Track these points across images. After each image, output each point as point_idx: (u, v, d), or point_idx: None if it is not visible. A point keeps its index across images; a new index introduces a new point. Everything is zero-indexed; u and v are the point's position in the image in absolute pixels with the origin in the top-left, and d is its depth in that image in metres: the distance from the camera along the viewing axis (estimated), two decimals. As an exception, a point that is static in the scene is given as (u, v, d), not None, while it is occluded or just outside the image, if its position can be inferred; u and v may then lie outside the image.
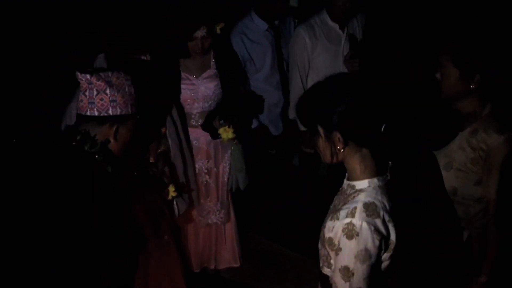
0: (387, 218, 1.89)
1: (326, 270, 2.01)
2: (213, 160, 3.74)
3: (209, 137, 3.63)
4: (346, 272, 1.85)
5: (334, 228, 1.88)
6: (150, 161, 3.24)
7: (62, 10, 3.46)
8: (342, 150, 1.92)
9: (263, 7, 3.99)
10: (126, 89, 2.30)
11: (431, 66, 2.53)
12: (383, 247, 1.88)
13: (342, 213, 1.87)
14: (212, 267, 4.00)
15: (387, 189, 1.96)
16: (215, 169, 3.77)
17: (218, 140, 3.64)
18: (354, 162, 1.95)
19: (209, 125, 3.58)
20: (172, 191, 3.22)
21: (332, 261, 1.95)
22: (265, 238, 4.43)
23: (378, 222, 1.86)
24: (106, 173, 2.28)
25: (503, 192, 2.42)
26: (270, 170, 4.40)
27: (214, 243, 3.94)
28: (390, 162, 2.06)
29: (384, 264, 1.95)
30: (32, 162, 2.26)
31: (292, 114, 4.12)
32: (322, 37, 3.90)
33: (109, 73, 2.27)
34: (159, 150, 3.30)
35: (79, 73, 2.24)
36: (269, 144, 4.34)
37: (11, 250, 2.15)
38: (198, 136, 3.65)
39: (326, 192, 2.25)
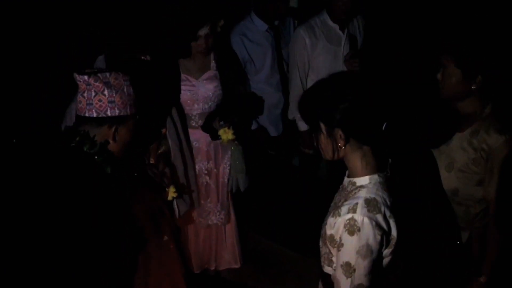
0: (388, 213, 1.90)
1: (327, 269, 2.02)
2: (213, 161, 3.74)
3: (209, 138, 3.63)
4: (348, 268, 1.86)
5: (335, 225, 1.89)
6: (151, 162, 3.23)
7: (62, 10, 3.46)
8: (343, 147, 1.93)
9: (263, 7, 3.99)
10: (125, 90, 2.30)
11: (432, 66, 2.53)
12: (384, 243, 1.90)
13: (344, 209, 1.89)
14: (213, 268, 3.99)
15: (388, 185, 1.98)
16: (215, 170, 3.77)
17: (218, 141, 3.63)
18: (355, 159, 1.97)
19: (209, 126, 3.58)
20: (172, 192, 3.22)
21: (333, 259, 1.96)
22: (265, 239, 4.42)
23: (379, 218, 1.87)
24: (105, 173, 2.29)
25: (504, 192, 2.42)
26: (270, 170, 4.40)
27: (214, 244, 3.94)
28: (390, 160, 2.08)
29: (385, 261, 1.96)
30: (32, 162, 2.26)
31: (291, 114, 4.12)
32: (322, 37, 3.90)
33: (107, 74, 2.27)
34: (159, 151, 3.30)
35: (77, 74, 2.24)
36: (269, 145, 4.33)
37: (11, 250, 2.15)
38: (198, 137, 3.65)
39: (326, 192, 2.26)
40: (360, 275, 1.86)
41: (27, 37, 3.41)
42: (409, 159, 2.55)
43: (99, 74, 2.25)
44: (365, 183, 1.95)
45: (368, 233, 1.84)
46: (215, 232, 3.91)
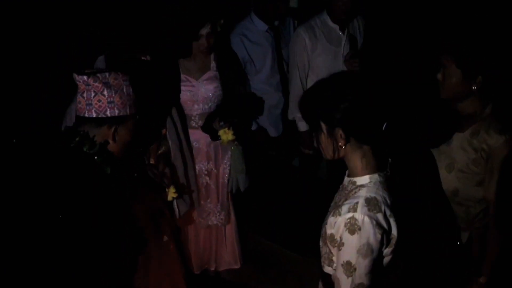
0: (388, 212, 1.91)
1: (327, 269, 2.02)
2: (213, 162, 3.74)
3: (209, 139, 3.63)
4: (349, 267, 1.86)
5: (336, 224, 1.90)
6: (151, 162, 3.24)
7: (62, 10, 3.46)
8: (343, 147, 1.94)
9: (263, 7, 3.99)
10: (124, 90, 2.30)
11: (432, 66, 2.53)
12: (384, 242, 1.90)
13: (344, 208, 1.89)
14: (213, 268, 4.00)
15: (388, 185, 1.98)
16: (215, 170, 3.77)
17: (218, 141, 3.63)
18: (355, 158, 1.98)
19: (209, 127, 3.58)
20: (172, 192, 3.22)
21: (333, 258, 1.97)
22: (265, 239, 4.43)
23: (380, 217, 1.87)
24: (105, 173, 2.29)
25: (504, 193, 2.42)
26: (270, 171, 4.39)
27: (214, 244, 3.94)
28: (389, 159, 2.08)
29: (386, 260, 1.96)
30: (32, 162, 2.26)
31: (291, 114, 4.12)
32: (322, 38, 3.90)
33: (107, 74, 2.27)
34: (160, 152, 3.30)
35: (76, 75, 2.24)
36: (269, 145, 4.33)
37: (12, 251, 2.15)
38: (198, 138, 3.65)
39: (326, 193, 2.26)
40: (361, 274, 1.86)
41: (27, 37, 3.41)
42: (409, 159, 2.55)
43: (98, 75, 2.25)
44: (365, 182, 1.96)
45: (369, 232, 1.85)
46: (215, 233, 3.91)
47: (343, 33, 3.94)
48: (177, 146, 3.42)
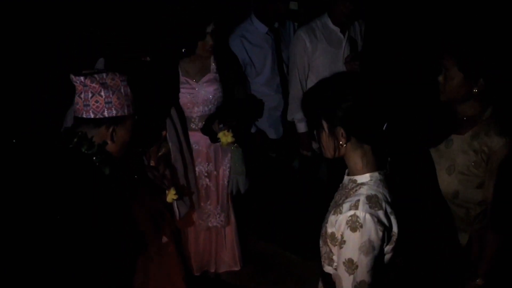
0: (389, 210, 1.92)
1: (327, 268, 2.03)
2: (213, 164, 3.74)
3: (209, 141, 3.62)
4: (350, 265, 1.87)
5: (337, 222, 1.91)
6: (151, 164, 3.23)
7: (62, 10, 3.46)
8: (344, 145, 1.96)
9: (264, 7, 3.98)
10: (122, 90, 2.29)
11: (433, 68, 2.53)
12: (385, 239, 1.91)
13: (345, 206, 1.90)
14: (213, 270, 3.99)
15: (388, 183, 1.99)
16: (215, 172, 3.76)
17: (218, 143, 3.63)
18: (356, 157, 1.99)
19: (209, 129, 3.58)
20: (172, 194, 3.22)
21: (333, 258, 1.98)
22: (265, 241, 4.42)
23: (381, 214, 1.88)
24: (105, 174, 2.28)
25: (504, 195, 2.41)
26: (270, 173, 4.39)
27: (214, 246, 3.93)
28: (389, 158, 2.09)
29: (387, 257, 1.97)
30: (32, 162, 2.26)
31: (290, 115, 4.12)
32: (322, 40, 3.90)
33: (104, 75, 2.27)
34: (160, 153, 3.30)
35: (73, 76, 2.24)
36: (269, 147, 4.33)
37: (11, 251, 2.14)
38: (198, 140, 3.64)
39: (326, 195, 2.26)
40: (363, 271, 1.87)
41: (27, 37, 3.41)
42: (409, 159, 2.55)
43: (95, 75, 2.25)
44: (366, 181, 1.97)
45: (370, 229, 1.86)
46: (215, 234, 3.91)
47: (344, 35, 3.94)
48: (177, 148, 3.42)
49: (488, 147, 2.41)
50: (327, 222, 1.98)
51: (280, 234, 4.40)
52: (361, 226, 1.85)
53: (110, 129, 2.28)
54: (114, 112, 2.27)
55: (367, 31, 4.09)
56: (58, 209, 2.13)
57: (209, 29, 3.36)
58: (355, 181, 2.00)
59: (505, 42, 2.57)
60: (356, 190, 1.96)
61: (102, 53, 3.04)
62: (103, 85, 2.24)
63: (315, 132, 2.04)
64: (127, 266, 2.44)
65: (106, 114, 2.26)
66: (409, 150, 2.58)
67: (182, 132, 3.46)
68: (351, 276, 1.88)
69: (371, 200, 1.89)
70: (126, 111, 2.31)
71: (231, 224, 3.93)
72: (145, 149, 3.17)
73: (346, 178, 2.08)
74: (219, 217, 3.81)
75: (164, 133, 3.29)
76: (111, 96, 2.25)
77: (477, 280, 2.51)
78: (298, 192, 4.45)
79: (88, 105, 2.24)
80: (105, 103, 2.25)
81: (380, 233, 1.87)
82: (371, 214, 1.86)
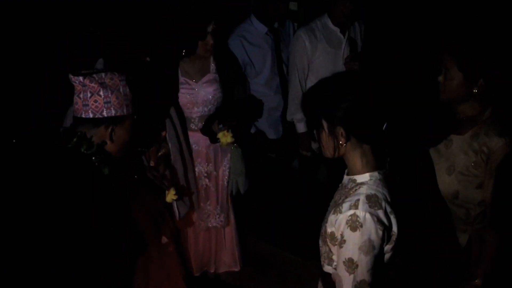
0: (388, 209, 1.93)
1: (327, 268, 2.04)
2: (212, 164, 3.73)
3: (208, 141, 3.62)
4: (351, 264, 1.88)
5: (337, 222, 1.92)
6: (151, 164, 3.23)
7: (62, 10, 3.46)
8: (344, 145, 1.96)
9: (263, 7, 3.98)
10: (121, 90, 2.30)
11: (433, 68, 2.53)
12: (385, 238, 1.91)
13: (345, 205, 1.91)
14: (212, 270, 3.99)
15: (387, 182, 2.00)
16: (214, 172, 3.76)
17: (217, 144, 3.63)
18: (355, 157, 2.00)
19: (209, 129, 3.57)
20: (172, 194, 3.22)
21: (333, 257, 1.98)
22: (265, 241, 4.42)
23: (381, 213, 1.89)
24: (105, 174, 2.29)
25: (503, 195, 2.41)
26: (270, 173, 4.39)
27: (214, 246, 3.93)
28: (388, 158, 2.10)
29: (387, 256, 1.97)
30: (32, 162, 2.26)
31: (290, 115, 4.12)
32: (322, 40, 3.90)
33: (103, 75, 2.27)
34: (160, 154, 3.30)
35: (72, 76, 2.25)
36: (269, 147, 4.33)
37: (12, 251, 2.14)
38: (198, 140, 3.64)
39: (326, 195, 2.26)
40: (363, 271, 1.87)
41: (27, 37, 3.40)
42: (408, 159, 2.56)
43: (94, 75, 2.26)
44: (365, 180, 1.98)
45: (370, 229, 1.86)
46: (214, 235, 3.91)
47: (344, 36, 3.94)
48: (177, 148, 3.42)
49: (488, 147, 2.41)
50: (326, 222, 1.98)
51: (279, 234, 4.40)
52: (361, 226, 1.86)
53: (109, 129, 2.29)
54: (113, 111, 2.27)
55: (367, 31, 4.09)
56: (58, 209, 2.13)
57: (209, 28, 3.36)
58: (354, 180, 2.01)
59: (505, 42, 2.56)
60: (355, 189, 1.96)
61: (102, 53, 3.04)
62: (102, 84, 2.25)
63: (315, 132, 2.04)
64: (127, 266, 2.44)
65: (105, 114, 2.26)
66: (409, 150, 2.58)
67: (181, 133, 3.46)
68: (352, 276, 1.88)
69: (371, 200, 1.90)
70: (125, 110, 2.31)
71: (231, 224, 3.93)
72: (145, 149, 3.17)
73: (345, 177, 2.09)
74: (218, 218, 3.81)
75: (164, 133, 3.29)
76: (110, 96, 2.26)
77: (476, 281, 2.51)
78: (297, 193, 4.45)
79: (87, 105, 2.24)
80: (104, 103, 2.25)
81: (380, 233, 1.87)
82: (371, 214, 1.87)
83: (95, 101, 2.24)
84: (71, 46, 3.42)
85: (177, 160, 3.42)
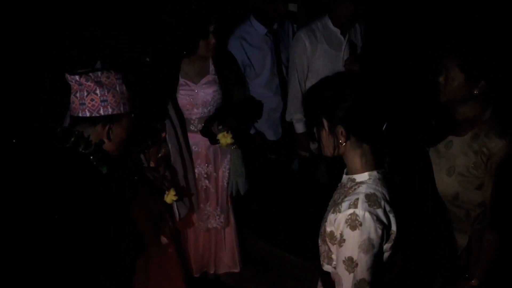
0: (388, 208, 1.94)
1: (326, 267, 2.04)
2: (212, 165, 3.74)
3: (208, 142, 3.62)
4: (350, 263, 1.88)
5: (336, 221, 1.92)
6: (151, 165, 3.24)
7: (62, 10, 3.46)
8: (344, 144, 1.97)
9: (263, 7, 3.98)
10: (117, 88, 2.30)
11: (434, 69, 2.53)
12: (385, 237, 1.92)
13: (344, 205, 1.92)
14: (212, 271, 3.99)
15: (386, 181, 2.01)
16: (214, 174, 3.76)
17: (217, 145, 3.63)
18: (355, 156, 2.01)
19: (208, 131, 3.57)
20: (172, 195, 3.22)
21: (332, 256, 1.98)
22: (265, 242, 4.42)
23: (380, 212, 1.90)
24: (104, 173, 2.29)
25: (503, 196, 2.41)
26: (270, 174, 4.39)
27: (213, 247, 3.93)
28: (387, 158, 2.10)
29: (386, 255, 1.98)
30: (32, 163, 2.26)
31: (288, 116, 4.12)
32: (322, 41, 3.90)
33: (99, 73, 2.27)
34: (159, 155, 3.30)
35: (68, 75, 2.25)
36: (268, 149, 4.33)
37: (11, 251, 2.14)
38: (198, 141, 3.64)
39: (326, 196, 2.26)
40: (363, 269, 1.88)
41: (27, 37, 3.40)
42: (408, 159, 2.56)
43: (90, 74, 2.26)
44: (364, 179, 1.99)
45: (370, 227, 1.87)
46: (214, 236, 3.91)
47: (344, 37, 3.94)
48: (177, 149, 3.42)
49: (488, 149, 2.41)
50: (326, 221, 1.99)
51: (279, 235, 4.41)
52: (361, 225, 1.86)
53: (106, 128, 2.29)
54: (110, 110, 2.27)
55: (367, 32, 4.08)
56: (57, 209, 2.13)
57: (211, 28, 3.37)
58: (354, 180, 2.02)
59: (506, 43, 2.56)
60: (355, 189, 1.97)
61: (102, 53, 3.04)
62: (98, 83, 2.25)
63: (315, 130, 2.05)
64: (127, 266, 2.44)
65: (102, 112, 2.26)
66: (409, 150, 2.58)
67: (181, 134, 3.46)
68: (351, 275, 1.89)
69: (370, 199, 1.91)
70: (122, 109, 2.31)
71: (231, 225, 3.93)
72: (144, 150, 3.17)
73: (345, 177, 2.09)
74: (218, 219, 3.81)
75: (163, 134, 3.30)
76: (106, 94, 2.26)
77: (472, 281, 2.51)
78: (297, 193, 4.45)
79: (84, 103, 2.25)
80: (101, 101, 2.25)
81: (380, 231, 1.88)
82: (370, 213, 1.87)
83: (92, 99, 2.24)
84: (71, 46, 3.42)
85: (177, 161, 3.42)
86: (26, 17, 3.40)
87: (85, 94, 2.24)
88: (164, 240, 3.22)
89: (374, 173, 1.99)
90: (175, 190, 3.25)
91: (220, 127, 3.59)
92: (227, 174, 3.80)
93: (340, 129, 1.95)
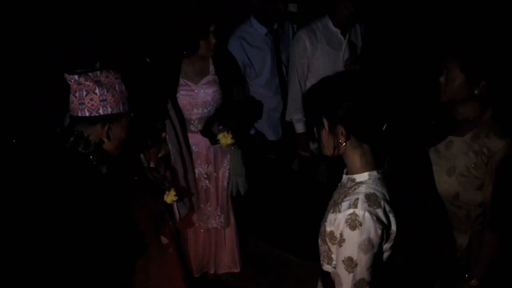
0: (387, 208, 1.94)
1: (326, 267, 2.05)
2: (212, 165, 3.73)
3: (208, 142, 3.62)
4: (350, 263, 1.88)
5: (336, 221, 1.93)
6: (151, 165, 3.24)
7: (62, 10, 3.46)
8: (344, 144, 1.97)
9: (263, 7, 3.98)
10: (116, 87, 2.30)
11: (435, 69, 2.53)
12: (384, 237, 1.92)
13: (344, 205, 1.92)
14: (212, 271, 3.99)
15: (386, 181, 2.01)
16: (214, 174, 3.76)
17: (217, 145, 3.63)
18: (355, 156, 2.01)
19: (208, 131, 3.57)
20: (173, 195, 3.22)
21: (332, 256, 1.99)
22: (265, 242, 4.43)
23: (380, 212, 1.90)
24: (104, 173, 2.29)
25: (503, 196, 2.41)
26: (270, 174, 4.39)
27: (214, 247, 3.93)
28: (387, 158, 2.11)
29: (385, 255, 1.98)
30: (32, 163, 2.26)
31: (288, 116, 4.12)
32: (323, 41, 3.90)
33: (98, 73, 2.27)
34: (160, 155, 3.30)
35: (67, 75, 2.25)
36: (268, 149, 4.34)
37: (11, 251, 2.14)
38: (198, 142, 3.64)
39: (326, 196, 2.26)
40: (362, 269, 1.88)
41: (27, 37, 3.40)
42: (408, 159, 2.56)
43: (89, 73, 2.26)
44: (364, 179, 1.99)
45: (370, 227, 1.87)
46: (214, 236, 3.91)
47: (344, 37, 3.94)
48: (177, 149, 3.42)
49: (488, 149, 2.40)
50: (326, 221, 2.00)
51: (279, 235, 4.41)
52: (360, 224, 1.87)
53: (106, 127, 2.29)
54: (109, 109, 2.27)
55: (367, 31, 4.08)
56: (57, 209, 2.13)
57: (212, 28, 3.37)
58: (353, 180, 2.02)
59: (507, 44, 2.56)
60: (355, 189, 1.98)
61: (102, 53, 3.04)
62: (98, 83, 2.24)
63: (315, 130, 2.05)
64: (127, 266, 2.44)
65: (101, 112, 2.26)
66: (409, 150, 2.58)
67: (181, 134, 3.46)
68: (351, 274, 1.89)
69: (370, 199, 1.91)
70: (121, 108, 2.31)
71: (231, 225, 3.93)
72: (145, 150, 3.17)
73: (344, 177, 2.10)
74: (218, 219, 3.81)
75: (164, 134, 3.30)
76: (105, 93, 2.25)
77: (472, 281, 2.51)
78: (297, 194, 4.45)
79: (83, 103, 2.24)
80: (100, 101, 2.25)
81: (379, 231, 1.88)
82: (370, 212, 1.88)
83: (91, 99, 2.24)
84: (71, 46, 3.42)
85: (177, 161, 3.42)
86: (26, 17, 3.40)
87: (84, 93, 2.24)
88: (164, 240, 3.22)
89: (374, 173, 1.99)
90: (175, 190, 3.25)
91: (221, 127, 3.59)
92: (227, 174, 3.80)
93: (340, 129, 1.95)
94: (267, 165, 4.36)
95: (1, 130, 2.91)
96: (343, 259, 1.90)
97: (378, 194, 1.93)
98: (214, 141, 3.58)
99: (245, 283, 4.02)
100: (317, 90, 2.03)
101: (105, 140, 2.30)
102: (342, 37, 3.94)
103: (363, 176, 1.99)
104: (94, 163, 2.27)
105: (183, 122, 3.53)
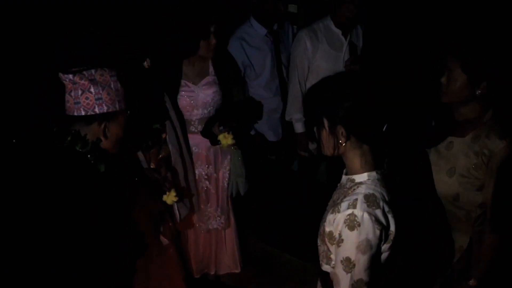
0: (386, 209, 1.94)
1: (325, 267, 2.05)
2: (213, 166, 3.74)
3: (208, 143, 3.62)
4: (348, 264, 1.89)
5: (335, 221, 1.93)
6: (152, 166, 3.23)
7: (62, 10, 3.46)
8: (344, 144, 1.97)
9: (263, 8, 3.98)
10: (112, 86, 2.30)
11: (436, 69, 2.52)
12: (383, 238, 1.92)
13: (343, 205, 1.92)
14: (212, 272, 3.99)
15: (385, 182, 2.01)
16: (215, 174, 3.76)
17: (217, 146, 3.63)
18: (355, 156, 2.01)
19: (209, 132, 3.57)
20: (173, 196, 3.21)
21: (331, 256, 1.99)
22: (265, 243, 4.43)
23: (379, 213, 1.90)
24: (104, 172, 2.29)
25: (503, 197, 2.41)
26: (270, 175, 4.39)
27: (214, 248, 3.94)
28: (386, 159, 2.11)
29: (384, 256, 1.98)
30: (31, 163, 2.26)
31: (288, 116, 4.12)
32: (323, 41, 3.91)
33: (93, 71, 2.27)
34: (160, 156, 3.30)
35: (62, 74, 2.24)
36: (268, 149, 4.34)
37: (11, 250, 2.14)
38: (198, 142, 3.64)
39: (326, 197, 2.26)
40: (360, 270, 1.88)
41: (27, 37, 3.40)
42: (408, 159, 2.56)
43: (84, 72, 2.26)
44: (363, 180, 1.99)
45: (368, 228, 1.87)
46: (215, 237, 3.91)
47: (346, 38, 3.95)
48: (177, 150, 3.42)
49: (489, 150, 2.41)
50: (325, 221, 2.00)
51: (280, 236, 4.41)
52: (359, 225, 1.87)
53: (102, 125, 2.29)
54: (105, 108, 2.27)
55: (368, 31, 4.09)
56: (57, 209, 2.13)
57: (212, 28, 3.37)
58: (353, 180, 2.02)
59: (508, 44, 2.56)
60: (354, 189, 1.98)
61: (102, 53, 3.04)
62: (93, 81, 2.24)
63: (315, 129, 2.05)
64: (127, 266, 2.44)
65: (97, 110, 2.26)
66: (409, 150, 2.58)
67: (181, 135, 3.46)
68: (349, 275, 1.89)
69: (369, 199, 1.91)
70: (117, 106, 2.31)
71: (231, 226, 3.93)
72: (145, 151, 3.17)
73: (344, 177, 2.10)
74: (219, 219, 3.81)
75: (164, 135, 3.29)
76: (101, 92, 2.25)
77: (470, 281, 2.51)
78: (297, 194, 4.45)
79: (79, 102, 2.25)
80: (96, 99, 2.25)
81: (378, 232, 1.88)
82: (369, 213, 1.88)
83: (86, 98, 2.24)
84: (71, 46, 3.42)
85: (177, 162, 3.42)
86: (26, 17, 3.40)
87: (80, 92, 2.24)
88: (164, 240, 3.22)
89: (373, 173, 1.99)
90: (176, 191, 3.25)
91: (221, 128, 3.59)
92: (227, 175, 3.80)
93: (341, 129, 1.95)
94: (267, 166, 4.36)
95: (1, 130, 2.91)
96: (341, 259, 1.90)
97: (377, 194, 1.93)
98: (214, 141, 3.58)
99: (245, 283, 4.02)
100: (317, 90, 2.04)
101: (102, 138, 2.30)
102: (343, 38, 3.95)
103: (362, 177, 1.99)
104: (92, 162, 2.27)
105: (183, 123, 3.54)
